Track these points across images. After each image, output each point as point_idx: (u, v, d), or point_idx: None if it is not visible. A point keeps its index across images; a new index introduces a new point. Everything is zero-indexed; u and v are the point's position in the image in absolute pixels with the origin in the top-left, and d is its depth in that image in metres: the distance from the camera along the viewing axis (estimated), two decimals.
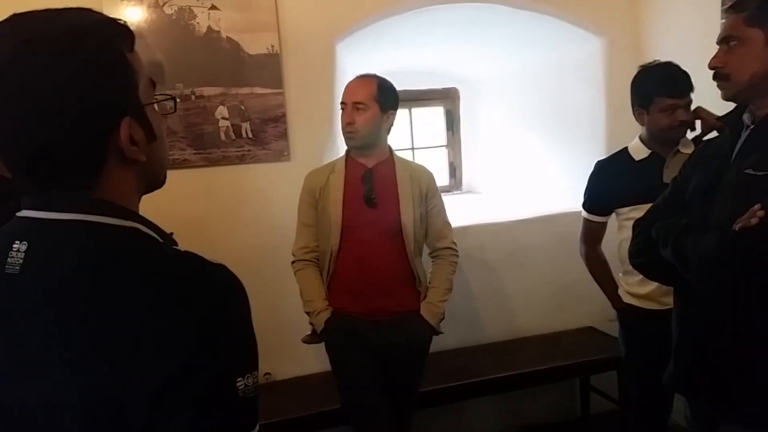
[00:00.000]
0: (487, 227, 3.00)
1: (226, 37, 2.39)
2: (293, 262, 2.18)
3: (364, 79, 2.10)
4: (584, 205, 2.36)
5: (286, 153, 2.53)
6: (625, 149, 2.25)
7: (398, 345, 2.11)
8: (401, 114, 3.55)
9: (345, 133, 2.09)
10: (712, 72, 1.40)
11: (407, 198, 2.12)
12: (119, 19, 0.75)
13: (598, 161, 2.34)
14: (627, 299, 2.26)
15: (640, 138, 2.20)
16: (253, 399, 0.69)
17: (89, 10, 0.74)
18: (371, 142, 2.10)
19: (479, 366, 2.76)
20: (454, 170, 3.80)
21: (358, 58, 2.81)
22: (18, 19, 0.70)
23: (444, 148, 3.79)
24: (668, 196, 1.55)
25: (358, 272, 2.08)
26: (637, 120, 2.16)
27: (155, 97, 0.79)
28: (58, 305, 0.66)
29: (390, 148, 2.20)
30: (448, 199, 3.55)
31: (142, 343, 0.63)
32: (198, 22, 2.35)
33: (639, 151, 2.18)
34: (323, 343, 2.15)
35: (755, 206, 1.21)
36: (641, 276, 2.09)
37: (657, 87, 2.04)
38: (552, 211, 3.12)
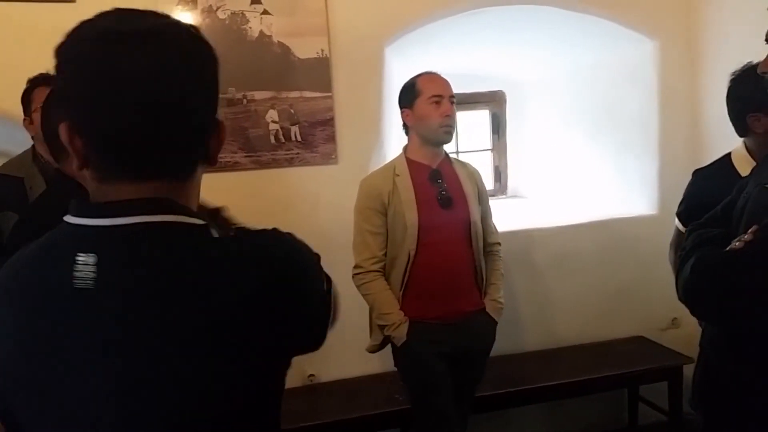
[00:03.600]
0: (533, 232, 2.96)
1: (278, 41, 2.43)
2: (359, 274, 2.08)
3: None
4: (680, 216, 2.17)
5: (333, 156, 2.55)
6: (728, 158, 2.03)
7: (470, 344, 2.11)
8: None
9: (443, 126, 2.05)
10: None
11: (472, 196, 2.12)
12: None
13: (698, 170, 2.15)
14: None
15: (748, 149, 1.96)
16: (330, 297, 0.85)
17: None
18: None
19: (525, 373, 2.73)
20: (500, 174, 3.76)
21: (406, 62, 2.81)
22: (138, 15, 0.71)
23: (489, 152, 3.75)
24: (727, 203, 1.43)
25: (435, 275, 2.05)
26: (750, 128, 1.92)
27: None
28: (138, 313, 0.66)
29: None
30: (493, 204, 3.53)
31: (237, 316, 0.68)
32: (250, 27, 2.39)
33: (747, 165, 1.91)
34: (386, 347, 2.14)
35: (753, 228, 1.12)
36: None
37: None
38: (601, 217, 3.07)
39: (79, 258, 0.67)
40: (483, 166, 3.69)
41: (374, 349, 2.16)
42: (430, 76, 2.08)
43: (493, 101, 3.70)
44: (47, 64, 0.74)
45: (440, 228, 2.04)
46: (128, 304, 0.66)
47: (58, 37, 0.69)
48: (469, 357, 2.13)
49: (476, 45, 3.14)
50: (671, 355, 2.84)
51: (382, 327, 2.08)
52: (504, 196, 3.74)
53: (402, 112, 2.13)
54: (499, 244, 2.25)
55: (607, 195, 3.27)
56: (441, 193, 2.06)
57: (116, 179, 0.71)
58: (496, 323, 2.15)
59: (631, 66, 3.03)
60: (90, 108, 0.68)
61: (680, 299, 1.26)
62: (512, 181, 3.80)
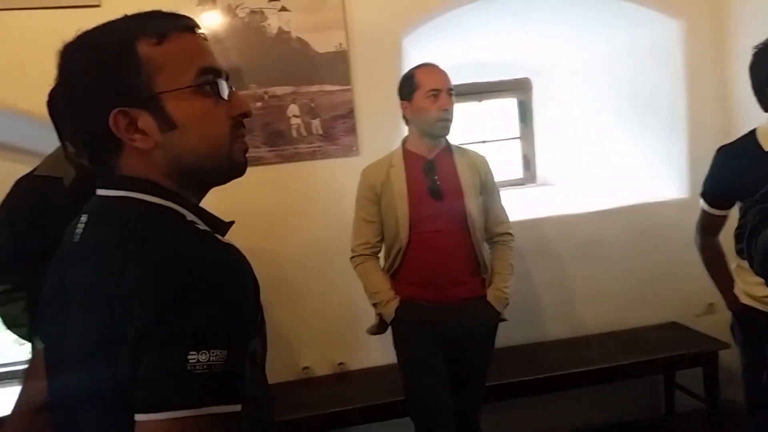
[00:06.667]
0: (561, 219, 2.94)
1: (296, 37, 2.47)
2: (352, 258, 2.16)
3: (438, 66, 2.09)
4: (704, 197, 2.11)
5: (355, 148, 2.58)
6: (752, 135, 1.97)
7: (467, 330, 2.10)
8: (472, 107, 3.53)
9: (441, 121, 2.04)
10: None
11: (470, 187, 2.10)
12: (157, 11, 0.82)
13: (722, 147, 2.07)
14: (745, 300, 2.04)
15: None
16: (205, 377, 0.66)
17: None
18: None
19: (549, 361, 2.71)
20: (528, 162, 3.72)
21: (424, 52, 2.80)
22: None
23: (517, 140, 3.71)
24: None
25: (427, 266, 2.07)
26: None
27: (192, 83, 0.79)
28: (92, 265, 0.78)
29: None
30: (521, 193, 3.50)
31: (132, 294, 0.71)
32: (269, 24, 2.43)
33: None
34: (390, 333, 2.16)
35: None
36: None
37: None
38: (630, 203, 3.02)
39: (81, 217, 0.84)
40: (511, 154, 3.68)
41: (373, 331, 2.19)
42: (429, 69, 2.07)
43: (519, 89, 3.66)
44: None
45: (432, 219, 2.05)
46: (88, 258, 0.79)
47: None
48: (467, 343, 2.12)
49: (498, 32, 3.11)
50: (705, 340, 2.78)
51: (376, 307, 2.13)
52: (533, 185, 3.70)
53: (401, 105, 2.13)
54: (510, 234, 2.21)
55: (636, 180, 3.21)
56: (433, 185, 2.05)
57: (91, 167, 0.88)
58: (498, 313, 2.12)
59: (657, 47, 2.97)
60: None
61: (757, 272, 1.26)
62: (541, 169, 3.75)
